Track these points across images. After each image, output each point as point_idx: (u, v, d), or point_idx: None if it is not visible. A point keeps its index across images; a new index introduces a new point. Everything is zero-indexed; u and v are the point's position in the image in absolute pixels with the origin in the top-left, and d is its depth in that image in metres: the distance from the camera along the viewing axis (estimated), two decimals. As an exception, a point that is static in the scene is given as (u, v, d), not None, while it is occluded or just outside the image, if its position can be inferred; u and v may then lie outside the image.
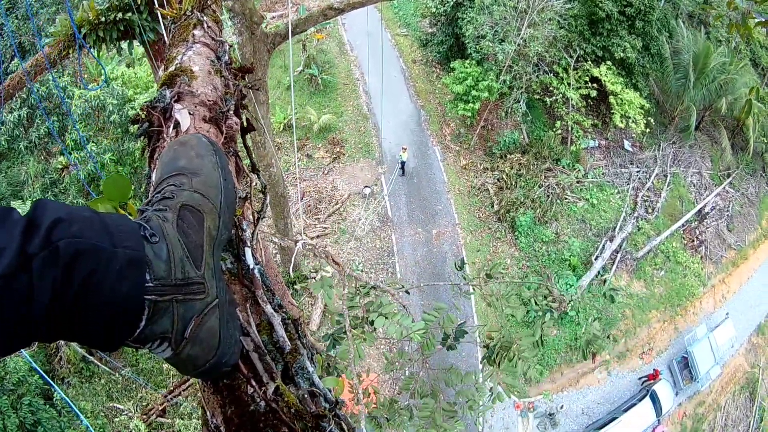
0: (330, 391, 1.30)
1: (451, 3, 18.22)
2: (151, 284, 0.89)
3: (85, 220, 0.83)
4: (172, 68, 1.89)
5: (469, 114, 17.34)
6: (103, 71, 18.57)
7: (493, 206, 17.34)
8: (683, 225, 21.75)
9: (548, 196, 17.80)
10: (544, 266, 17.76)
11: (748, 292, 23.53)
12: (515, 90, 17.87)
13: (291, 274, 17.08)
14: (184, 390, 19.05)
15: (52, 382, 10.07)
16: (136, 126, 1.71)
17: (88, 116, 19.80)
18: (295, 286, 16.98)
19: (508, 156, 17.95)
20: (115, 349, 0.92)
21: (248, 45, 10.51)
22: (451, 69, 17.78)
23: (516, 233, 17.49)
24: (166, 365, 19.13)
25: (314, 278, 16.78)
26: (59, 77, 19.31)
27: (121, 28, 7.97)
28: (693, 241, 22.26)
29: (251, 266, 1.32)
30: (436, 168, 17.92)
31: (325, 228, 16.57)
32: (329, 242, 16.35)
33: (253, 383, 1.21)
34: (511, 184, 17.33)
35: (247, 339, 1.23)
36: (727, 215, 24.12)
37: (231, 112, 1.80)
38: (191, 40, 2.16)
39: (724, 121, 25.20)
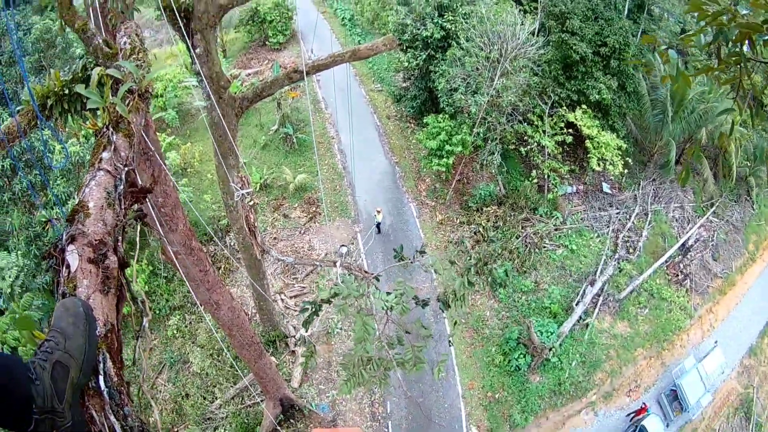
0: None
1: (423, 56, 18.39)
2: (35, 409, 1.62)
3: None
4: (76, 201, 2.51)
5: (444, 169, 17.51)
6: (64, 149, 18.82)
7: (471, 260, 17.49)
8: (666, 261, 21.90)
9: (526, 245, 17.96)
10: (524, 316, 17.90)
11: (738, 317, 23.61)
12: (490, 142, 18.04)
13: (270, 333, 17.26)
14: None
15: None
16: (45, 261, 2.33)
17: (68, 171, 20.02)
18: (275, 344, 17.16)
19: (485, 209, 18.10)
20: None
21: (216, 109, 10.69)
22: (425, 124, 17.93)
23: (494, 286, 17.63)
24: (151, 420, 19.25)
25: (293, 337, 16.94)
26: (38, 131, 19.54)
27: (84, 100, 8.10)
28: (677, 275, 22.39)
29: (102, 388, 1.89)
30: (412, 225, 18.10)
31: (303, 287, 16.75)
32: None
33: None
34: (488, 236, 17.46)
35: None
36: (712, 245, 24.27)
37: (111, 251, 2.36)
38: (96, 165, 2.72)
39: (705, 151, 25.37)
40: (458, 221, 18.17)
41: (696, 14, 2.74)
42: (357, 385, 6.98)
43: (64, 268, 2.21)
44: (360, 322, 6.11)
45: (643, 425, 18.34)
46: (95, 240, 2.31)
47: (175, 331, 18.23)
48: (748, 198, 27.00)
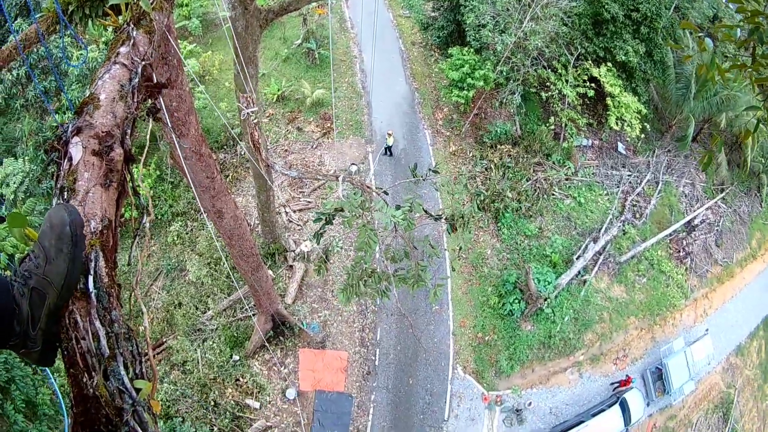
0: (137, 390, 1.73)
1: (456, -11, 18.17)
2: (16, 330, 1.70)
3: None
4: (86, 94, 2.41)
5: (463, 101, 17.34)
6: (84, 50, 18.70)
7: (479, 196, 17.34)
8: (671, 234, 21.81)
9: (535, 190, 17.83)
10: (524, 260, 17.80)
11: (731, 311, 23.60)
12: (511, 81, 17.87)
13: (270, 246, 17.12)
14: (157, 353, 19.18)
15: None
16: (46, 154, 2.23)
17: (84, 77, 19.86)
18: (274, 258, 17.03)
19: (499, 146, 17.96)
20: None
21: (241, 19, 10.59)
22: (449, 55, 17.74)
23: (499, 224, 17.52)
24: (141, 328, 19.23)
25: (293, 251, 16.82)
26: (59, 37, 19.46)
27: (106, 5, 7.94)
28: (679, 251, 22.31)
29: (90, 290, 1.79)
30: (425, 151, 17.95)
31: (309, 202, 16.58)
32: (312, 217, 16.39)
33: (86, 375, 1.70)
34: (499, 174, 17.32)
35: (84, 342, 1.72)
36: (717, 230, 24.17)
37: (117, 143, 2.26)
38: (113, 59, 2.61)
39: (722, 135, 25.19)
40: (471, 154, 18.03)
41: (734, 5, 2.68)
42: (355, 295, 6.96)
43: (65, 161, 2.11)
44: (364, 234, 6.10)
45: (624, 398, 18.36)
46: (102, 132, 2.21)
47: (175, 238, 18.10)
48: (758, 194, 26.89)
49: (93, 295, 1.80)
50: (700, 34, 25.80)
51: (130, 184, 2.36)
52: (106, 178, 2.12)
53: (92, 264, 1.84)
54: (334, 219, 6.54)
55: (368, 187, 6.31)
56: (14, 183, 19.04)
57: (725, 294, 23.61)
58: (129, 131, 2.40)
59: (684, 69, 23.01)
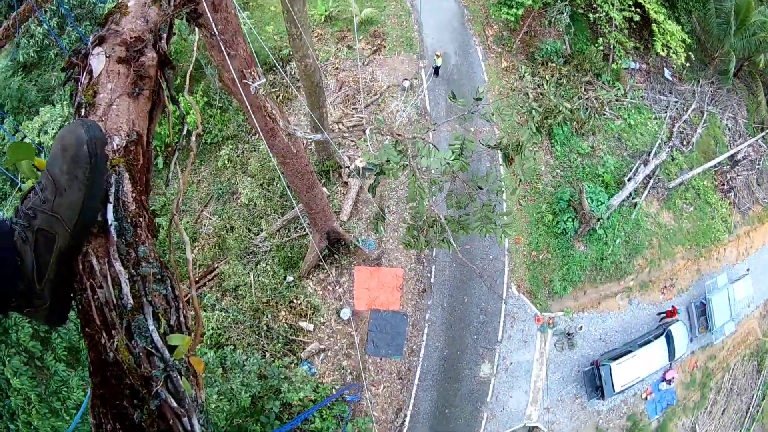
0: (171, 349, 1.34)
1: None
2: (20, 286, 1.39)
3: None
4: (113, 4, 2.03)
5: (512, 18, 17.42)
6: None
7: (531, 112, 17.42)
8: (715, 166, 21.82)
9: (587, 108, 17.88)
10: (578, 178, 17.86)
11: None
12: (559, 1, 17.92)
13: (324, 163, 17.21)
14: (208, 281, 19.28)
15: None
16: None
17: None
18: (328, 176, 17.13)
19: (550, 64, 18.06)
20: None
21: None
22: (498, -28, 17.88)
23: (552, 141, 17.60)
24: (192, 256, 19.36)
25: (347, 167, 16.91)
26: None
27: None
28: (723, 184, 22.32)
29: (109, 222, 1.44)
30: (477, 67, 18.07)
31: (362, 118, 16.68)
32: (367, 132, 16.47)
33: (104, 335, 1.33)
34: (552, 91, 17.41)
35: (102, 291, 1.36)
36: (758, 169, 24.14)
37: (149, 47, 1.92)
38: None
39: (762, 75, 25.14)
40: (523, 71, 18.12)
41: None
42: (420, 246, 6.67)
43: (84, 75, 1.80)
44: (413, 185, 5.85)
45: (670, 330, 18.38)
46: (131, 38, 1.90)
47: (226, 162, 18.20)
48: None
49: (113, 228, 1.43)
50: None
51: (167, 92, 2.04)
52: (134, 86, 1.79)
53: (113, 189, 1.48)
54: (384, 172, 5.99)
55: (399, 134, 5.87)
56: (52, 129, 18.76)
57: (765, 236, 23.57)
58: (165, 34, 2.11)
59: (723, 5, 22.99)
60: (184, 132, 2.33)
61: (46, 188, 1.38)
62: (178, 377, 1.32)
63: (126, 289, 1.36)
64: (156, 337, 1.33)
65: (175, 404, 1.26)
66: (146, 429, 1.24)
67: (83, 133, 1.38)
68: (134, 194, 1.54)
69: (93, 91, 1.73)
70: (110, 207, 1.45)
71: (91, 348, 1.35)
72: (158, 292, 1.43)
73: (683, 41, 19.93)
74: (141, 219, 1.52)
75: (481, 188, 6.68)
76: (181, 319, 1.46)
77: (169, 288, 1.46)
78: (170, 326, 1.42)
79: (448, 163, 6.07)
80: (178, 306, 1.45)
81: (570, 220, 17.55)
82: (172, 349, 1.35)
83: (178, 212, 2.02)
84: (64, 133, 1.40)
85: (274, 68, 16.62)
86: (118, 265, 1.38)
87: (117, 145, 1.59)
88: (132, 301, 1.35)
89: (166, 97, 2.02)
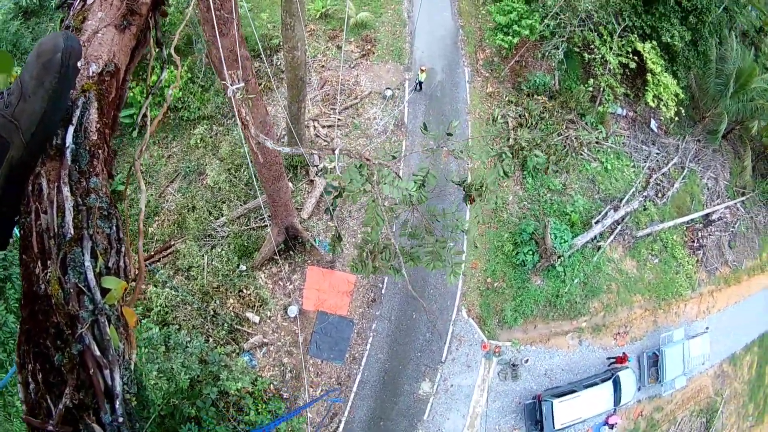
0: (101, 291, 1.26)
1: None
2: None
3: None
4: None
5: (506, 46, 17.45)
6: None
7: (508, 140, 17.43)
8: (688, 222, 21.92)
9: (565, 146, 17.92)
10: (545, 213, 17.87)
11: (732, 317, 23.69)
12: (556, 37, 17.99)
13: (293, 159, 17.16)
14: (163, 257, 19.15)
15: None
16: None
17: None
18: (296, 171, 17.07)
19: (536, 96, 18.07)
20: None
21: None
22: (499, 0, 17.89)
23: (525, 172, 17.60)
24: (151, 229, 19.21)
25: (315, 166, 16.87)
26: None
27: None
28: (693, 242, 22.40)
29: (67, 144, 1.39)
30: (462, 88, 18.06)
31: (338, 119, 16.64)
32: (340, 134, 16.44)
33: (39, 265, 1.26)
34: (532, 123, 17.42)
35: (46, 217, 1.28)
36: (732, 232, 24.26)
37: None
38: None
39: (752, 141, 25.32)
40: (507, 99, 18.13)
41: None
42: (366, 272, 6.62)
43: (79, 1, 1.80)
44: (371, 211, 5.85)
45: (618, 376, 18.42)
46: None
47: (198, 141, 18.13)
48: (777, 209, 26.95)
49: (68, 151, 1.37)
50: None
51: (154, 32, 2.02)
52: (123, 19, 1.78)
53: (77, 111, 1.44)
54: (342, 195, 5.97)
55: (367, 159, 5.85)
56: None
57: (729, 298, 23.70)
58: None
59: (725, 67, 23.14)
60: (162, 77, 2.29)
61: (13, 93, 1.35)
62: (106, 324, 1.25)
63: (69, 217, 1.29)
64: (90, 274, 1.25)
65: (98, 353, 1.20)
66: (65, 375, 1.17)
67: (61, 42, 1.35)
68: (99, 125, 1.50)
69: (83, 17, 1.73)
70: (71, 129, 1.40)
71: (25, 278, 1.29)
72: (102, 230, 1.37)
73: (676, 95, 20.04)
74: (100, 151, 1.48)
75: (438, 220, 6.72)
76: (121, 263, 1.38)
77: (114, 228, 1.40)
78: (108, 268, 1.34)
79: (409, 194, 5.98)
80: (120, 249, 1.38)
81: (530, 252, 17.57)
82: (105, 292, 1.28)
83: (140, 158, 1.97)
84: (43, 40, 1.37)
85: (260, 56, 16.58)
86: (66, 190, 1.32)
87: (92, 72, 1.58)
88: (72, 231, 1.28)
89: (152, 39, 2.03)
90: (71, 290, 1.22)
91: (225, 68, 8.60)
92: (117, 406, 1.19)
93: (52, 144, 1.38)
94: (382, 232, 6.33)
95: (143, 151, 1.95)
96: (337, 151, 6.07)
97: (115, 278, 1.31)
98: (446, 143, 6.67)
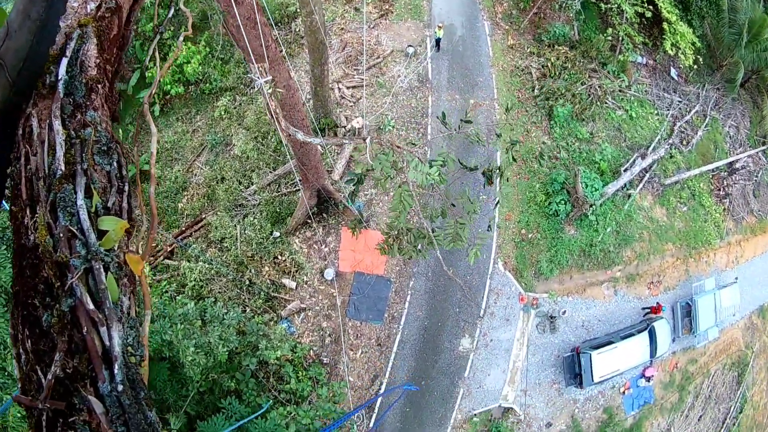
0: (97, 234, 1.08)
1: None
2: None
3: None
4: None
5: (524, -3, 17.61)
6: None
7: (533, 90, 17.54)
8: (713, 170, 21.91)
9: (589, 95, 18.01)
10: (574, 162, 17.93)
11: (759, 268, 23.56)
12: (573, -14, 18.11)
13: (321, 120, 17.27)
14: (195, 231, 19.25)
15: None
16: None
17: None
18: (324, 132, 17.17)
19: (556, 46, 18.19)
20: None
21: None
22: (514, -49, 18.06)
23: (552, 122, 17.69)
24: (180, 205, 19.33)
25: (344, 127, 16.99)
26: None
27: None
28: (719, 190, 22.39)
29: (59, 76, 1.25)
30: (483, 41, 18.20)
31: (363, 80, 16.79)
32: (365, 94, 16.57)
33: (28, 212, 1.12)
34: (555, 73, 17.54)
35: (36, 158, 1.15)
36: (756, 180, 24.21)
37: None
38: None
39: (768, 90, 25.25)
40: (528, 50, 18.26)
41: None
42: (392, 254, 6.81)
43: None
44: (398, 195, 5.96)
45: (654, 326, 18.36)
46: None
47: (222, 113, 18.27)
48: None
49: (61, 83, 1.22)
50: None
51: None
52: None
53: (72, 44, 1.29)
54: (363, 181, 6.09)
55: (398, 146, 5.96)
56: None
57: (756, 248, 23.59)
58: None
59: (737, 17, 23.18)
60: (170, 15, 2.21)
61: None
62: (102, 272, 1.02)
63: (60, 152, 1.11)
64: (83, 215, 1.05)
65: (91, 306, 0.99)
66: (55, 338, 0.97)
67: None
68: (99, 60, 1.37)
69: (85, -47, 1.55)
70: (64, 60, 1.25)
71: (15, 232, 1.11)
72: (100, 166, 1.18)
73: (693, 44, 20.08)
74: (99, 86, 1.33)
75: (454, 205, 6.71)
76: (124, 204, 1.17)
77: (115, 164, 1.21)
78: (107, 208, 1.13)
79: (428, 181, 6.01)
80: (123, 189, 1.17)
81: (562, 202, 17.60)
82: (102, 235, 1.07)
83: (149, 100, 1.81)
84: None
85: (279, 24, 16.77)
86: (57, 124, 1.15)
87: (90, 9, 1.45)
88: (63, 167, 1.09)
89: None
90: (61, 235, 1.03)
91: (251, 53, 8.37)
92: (116, 371, 0.99)
93: (45, 83, 1.24)
94: (409, 216, 6.48)
95: (153, 94, 1.85)
96: (368, 140, 6.29)
97: (113, 218, 1.10)
98: (464, 128, 6.97)
